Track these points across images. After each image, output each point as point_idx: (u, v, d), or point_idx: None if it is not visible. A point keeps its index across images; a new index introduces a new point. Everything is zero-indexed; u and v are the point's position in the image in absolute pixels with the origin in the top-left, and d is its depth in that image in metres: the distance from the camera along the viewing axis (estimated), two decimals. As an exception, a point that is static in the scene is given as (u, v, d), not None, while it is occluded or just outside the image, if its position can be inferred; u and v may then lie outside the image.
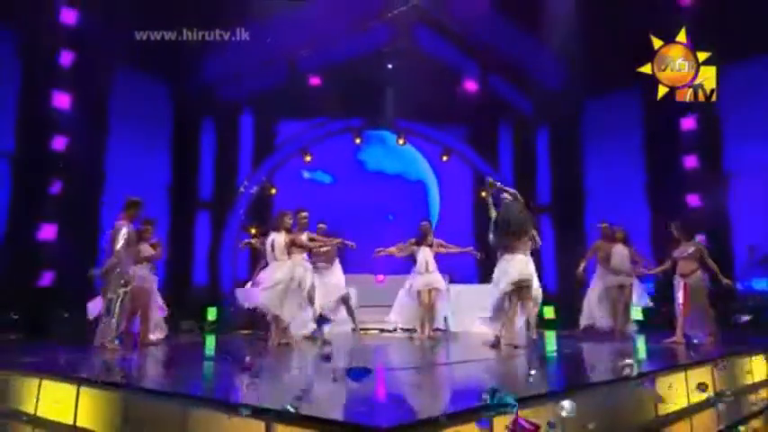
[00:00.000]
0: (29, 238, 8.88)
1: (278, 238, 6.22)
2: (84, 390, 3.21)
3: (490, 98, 12.42)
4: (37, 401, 3.55)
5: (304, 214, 6.79)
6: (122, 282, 6.19)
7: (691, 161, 10.79)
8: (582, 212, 11.77)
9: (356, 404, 2.46)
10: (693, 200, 10.68)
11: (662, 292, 10.38)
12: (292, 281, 6.18)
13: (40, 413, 3.50)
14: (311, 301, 6.57)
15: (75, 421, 3.21)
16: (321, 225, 7.73)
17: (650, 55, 10.28)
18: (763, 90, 10.06)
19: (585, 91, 11.64)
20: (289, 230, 6.35)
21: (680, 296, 6.59)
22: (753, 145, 10.23)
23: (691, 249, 6.63)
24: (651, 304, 8.06)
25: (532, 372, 3.17)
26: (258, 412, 2.20)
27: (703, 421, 3.80)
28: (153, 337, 6.99)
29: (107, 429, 2.98)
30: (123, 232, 6.27)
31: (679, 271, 6.67)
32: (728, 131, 10.69)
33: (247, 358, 3.49)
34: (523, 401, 2.45)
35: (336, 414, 2.25)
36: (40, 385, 3.59)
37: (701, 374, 4.15)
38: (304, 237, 6.63)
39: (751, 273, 9.97)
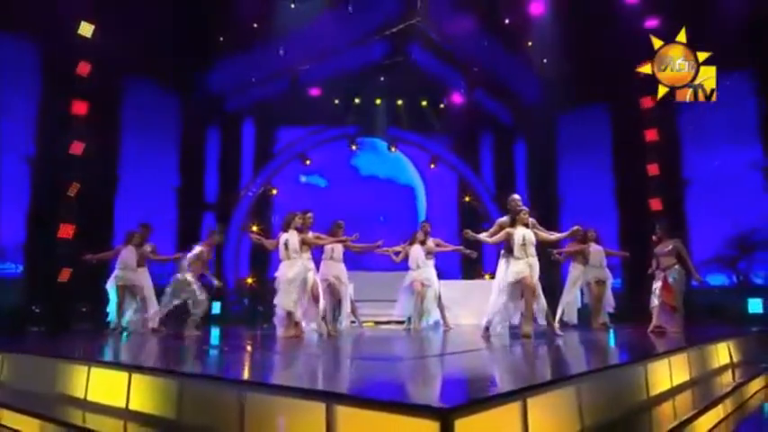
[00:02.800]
0: (49, 237, 8.78)
1: (291, 238, 6.18)
2: (137, 376, 3.22)
3: (474, 110, 12.60)
4: (86, 387, 3.55)
5: (309, 215, 6.68)
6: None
7: (653, 169, 11.13)
8: (557, 215, 11.98)
9: (411, 387, 2.51)
10: (656, 204, 11.02)
11: (631, 288, 10.73)
12: (302, 280, 6.13)
13: (90, 398, 3.50)
14: (315, 298, 6.40)
15: (127, 405, 3.22)
16: (340, 222, 7.69)
17: (622, 75, 10.52)
18: (717, 106, 10.37)
19: (560, 105, 11.88)
20: (299, 230, 6.31)
21: (657, 287, 6.82)
22: (707, 155, 10.59)
23: (669, 246, 6.86)
24: (613, 310, 8.16)
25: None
26: (319, 395, 2.27)
27: (684, 401, 3.95)
28: (151, 326, 7.41)
29: (161, 413, 3.00)
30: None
31: (660, 265, 6.89)
32: (686, 143, 11.04)
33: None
34: (544, 386, 2.56)
35: (395, 396, 2.32)
36: (89, 372, 3.58)
37: (681, 360, 4.32)
38: (310, 235, 6.59)
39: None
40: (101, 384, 3.48)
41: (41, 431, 3.24)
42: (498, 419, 2.16)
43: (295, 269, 6.10)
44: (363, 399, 2.15)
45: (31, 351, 4.57)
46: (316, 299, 6.38)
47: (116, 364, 3.49)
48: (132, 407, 3.19)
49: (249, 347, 5.28)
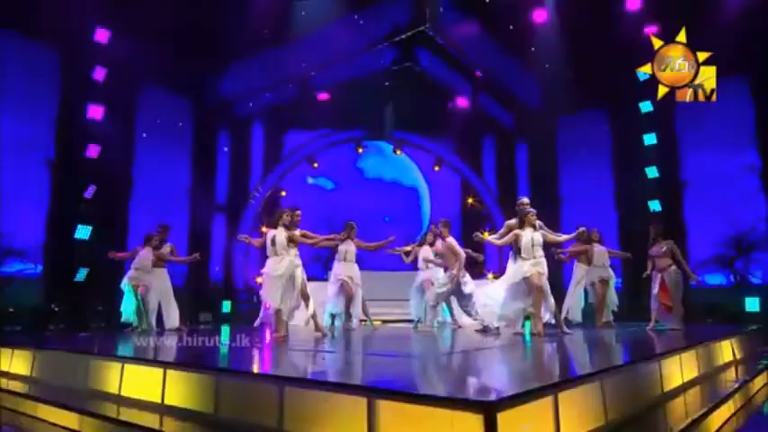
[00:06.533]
0: (66, 238, 8.80)
1: (279, 235, 5.90)
2: (172, 372, 3.25)
3: (477, 114, 12.64)
4: (120, 383, 3.58)
5: (298, 212, 6.30)
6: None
7: (652, 171, 11.18)
8: (558, 217, 12.01)
9: (443, 382, 2.53)
10: (654, 205, 11.07)
11: (630, 288, 10.78)
12: (290, 276, 5.83)
13: (124, 393, 3.53)
14: (305, 297, 6.14)
15: (162, 400, 3.25)
16: (351, 223, 7.68)
17: (621, 80, 10.51)
18: (714, 110, 10.42)
19: (561, 109, 11.93)
20: (287, 227, 6.02)
21: (655, 287, 6.87)
22: (704, 158, 10.65)
23: (664, 248, 6.92)
24: (616, 308, 8.17)
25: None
26: (361, 389, 2.30)
27: (695, 397, 4.00)
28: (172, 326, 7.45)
29: (198, 407, 3.02)
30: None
31: (656, 267, 6.95)
32: (684, 146, 11.09)
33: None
34: (574, 381, 2.61)
35: (431, 390, 2.36)
36: (122, 368, 3.61)
37: (691, 357, 4.36)
38: (297, 233, 6.21)
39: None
40: (135, 380, 3.51)
41: (80, 425, 3.27)
42: (534, 413, 2.20)
43: (283, 265, 5.79)
44: (407, 393, 2.18)
45: (61, 348, 4.60)
46: (305, 298, 6.12)
47: (151, 361, 3.52)
48: (168, 402, 3.22)
49: (267, 345, 5.31)
